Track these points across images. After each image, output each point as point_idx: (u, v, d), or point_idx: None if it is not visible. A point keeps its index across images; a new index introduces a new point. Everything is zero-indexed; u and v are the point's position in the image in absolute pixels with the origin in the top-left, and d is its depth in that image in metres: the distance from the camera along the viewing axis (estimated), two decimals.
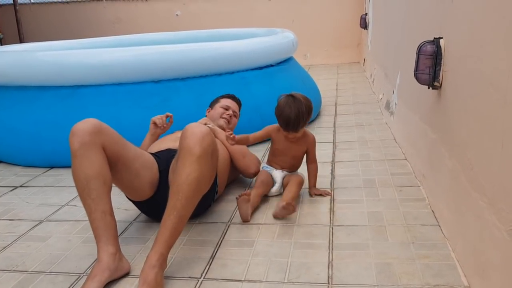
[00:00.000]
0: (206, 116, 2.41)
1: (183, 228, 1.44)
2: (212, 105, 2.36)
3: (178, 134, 2.08)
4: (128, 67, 2.60)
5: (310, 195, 1.99)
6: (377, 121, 3.16)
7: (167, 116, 2.10)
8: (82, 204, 1.47)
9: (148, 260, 1.35)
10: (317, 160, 2.02)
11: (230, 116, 2.27)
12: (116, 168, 1.56)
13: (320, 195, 1.98)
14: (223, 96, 2.36)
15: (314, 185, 2.01)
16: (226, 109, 2.28)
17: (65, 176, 2.46)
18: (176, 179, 1.43)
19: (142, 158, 1.67)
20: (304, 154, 2.02)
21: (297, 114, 1.85)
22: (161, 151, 1.86)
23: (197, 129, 1.46)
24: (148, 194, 1.71)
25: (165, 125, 2.09)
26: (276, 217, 1.79)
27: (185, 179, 1.41)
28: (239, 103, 2.39)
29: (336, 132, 2.95)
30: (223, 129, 2.27)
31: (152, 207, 1.77)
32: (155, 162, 1.74)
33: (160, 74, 2.66)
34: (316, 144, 2.03)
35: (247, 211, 1.76)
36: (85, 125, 1.48)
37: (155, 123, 2.07)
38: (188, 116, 2.50)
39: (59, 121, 2.57)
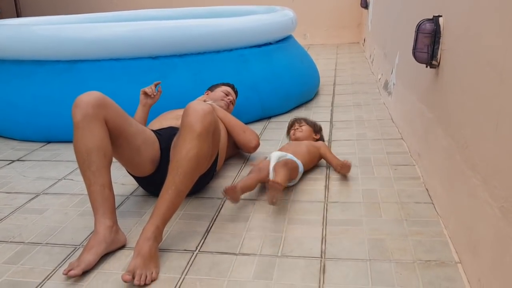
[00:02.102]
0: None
1: (181, 203, 1.45)
2: (211, 89, 2.40)
3: (179, 112, 2.08)
4: (125, 42, 2.57)
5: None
6: (375, 101, 3.16)
7: (155, 85, 2.10)
8: (81, 176, 1.47)
9: (144, 232, 1.37)
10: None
11: (230, 102, 2.31)
12: (117, 142, 1.56)
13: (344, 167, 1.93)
14: (223, 84, 2.42)
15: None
16: (227, 95, 2.32)
17: (62, 150, 2.47)
18: (176, 154, 1.44)
19: (144, 134, 1.67)
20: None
21: None
22: (163, 128, 1.86)
23: (199, 106, 1.46)
24: (149, 171, 1.71)
25: (155, 94, 2.09)
26: (271, 203, 1.60)
27: (185, 155, 1.42)
28: (236, 93, 2.45)
29: (334, 112, 2.95)
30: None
31: (152, 184, 1.78)
32: (157, 139, 1.74)
33: (157, 50, 2.64)
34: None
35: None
36: (89, 98, 1.48)
37: (145, 93, 2.07)
38: (185, 93, 2.50)
39: (56, 95, 2.56)
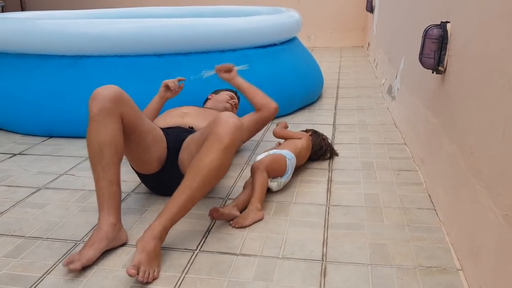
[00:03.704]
0: (209, 99, 2.42)
1: (191, 209, 1.43)
2: (216, 92, 2.44)
3: (183, 109, 2.07)
4: (130, 39, 2.57)
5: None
6: (378, 106, 3.15)
7: (179, 80, 2.09)
8: (91, 169, 1.46)
9: (151, 230, 1.35)
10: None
11: (235, 104, 2.34)
12: (129, 139, 1.55)
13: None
14: (227, 89, 2.46)
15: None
16: (231, 98, 2.36)
17: (64, 145, 2.46)
18: (198, 161, 1.42)
19: (154, 132, 1.67)
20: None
21: None
22: (171, 128, 1.84)
23: (231, 120, 1.45)
24: (155, 169, 1.71)
25: (177, 89, 2.08)
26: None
27: (208, 164, 1.40)
28: (239, 99, 2.48)
29: (337, 115, 2.95)
30: None
31: (156, 182, 1.78)
32: (165, 138, 1.74)
33: (162, 48, 2.64)
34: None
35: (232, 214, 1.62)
36: (107, 91, 1.47)
37: (167, 86, 2.06)
38: (189, 91, 2.49)
39: (60, 90, 2.56)
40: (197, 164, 1.41)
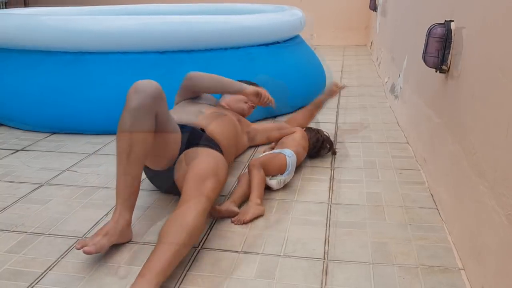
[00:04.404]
0: None
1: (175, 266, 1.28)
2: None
3: (201, 107, 1.99)
4: (133, 36, 2.57)
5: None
6: (381, 104, 3.15)
7: (269, 102, 2.06)
8: (116, 160, 1.44)
9: (146, 281, 1.17)
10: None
11: (252, 106, 2.31)
12: (155, 136, 1.53)
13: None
14: (250, 82, 2.27)
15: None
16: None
17: (67, 142, 2.47)
18: (180, 217, 1.32)
19: (175, 133, 1.66)
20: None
21: None
22: (184, 126, 1.77)
23: (207, 186, 1.41)
24: (164, 166, 1.69)
25: (257, 104, 2.06)
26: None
27: (192, 223, 1.30)
28: None
29: (339, 113, 2.95)
30: (242, 113, 2.27)
31: (159, 178, 1.77)
32: (181, 140, 1.71)
33: (165, 45, 2.64)
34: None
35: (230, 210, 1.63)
36: (150, 87, 1.45)
37: (259, 94, 2.00)
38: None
39: (62, 87, 2.56)
40: (180, 220, 1.31)
